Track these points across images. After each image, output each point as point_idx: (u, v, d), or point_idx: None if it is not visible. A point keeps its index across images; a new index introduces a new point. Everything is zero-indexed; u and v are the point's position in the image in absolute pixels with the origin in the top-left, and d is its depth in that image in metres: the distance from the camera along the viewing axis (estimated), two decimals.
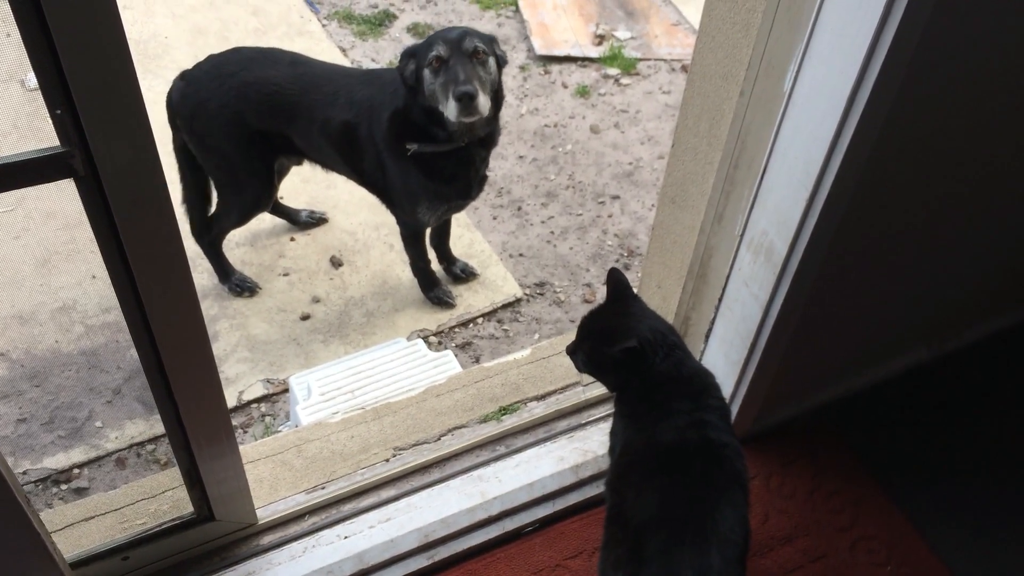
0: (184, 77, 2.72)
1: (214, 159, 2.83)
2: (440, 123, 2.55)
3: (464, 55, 2.46)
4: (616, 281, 1.61)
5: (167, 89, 2.80)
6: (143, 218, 1.14)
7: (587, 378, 2.10)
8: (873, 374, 2.14)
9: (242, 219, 2.99)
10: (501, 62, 2.60)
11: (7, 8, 0.92)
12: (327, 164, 2.90)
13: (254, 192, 2.89)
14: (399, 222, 2.93)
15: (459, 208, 2.98)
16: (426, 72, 2.48)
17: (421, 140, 2.60)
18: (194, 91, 2.69)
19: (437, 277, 3.11)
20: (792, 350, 1.77)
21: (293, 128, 2.74)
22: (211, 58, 2.75)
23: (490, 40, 2.57)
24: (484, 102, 2.48)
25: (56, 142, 1.05)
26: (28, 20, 0.92)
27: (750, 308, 1.70)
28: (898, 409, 2.15)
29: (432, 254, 3.12)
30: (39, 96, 1.01)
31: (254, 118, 2.71)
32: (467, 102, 2.42)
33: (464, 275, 3.16)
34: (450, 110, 2.46)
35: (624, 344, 1.49)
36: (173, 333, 1.30)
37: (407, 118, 2.59)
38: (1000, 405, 2.20)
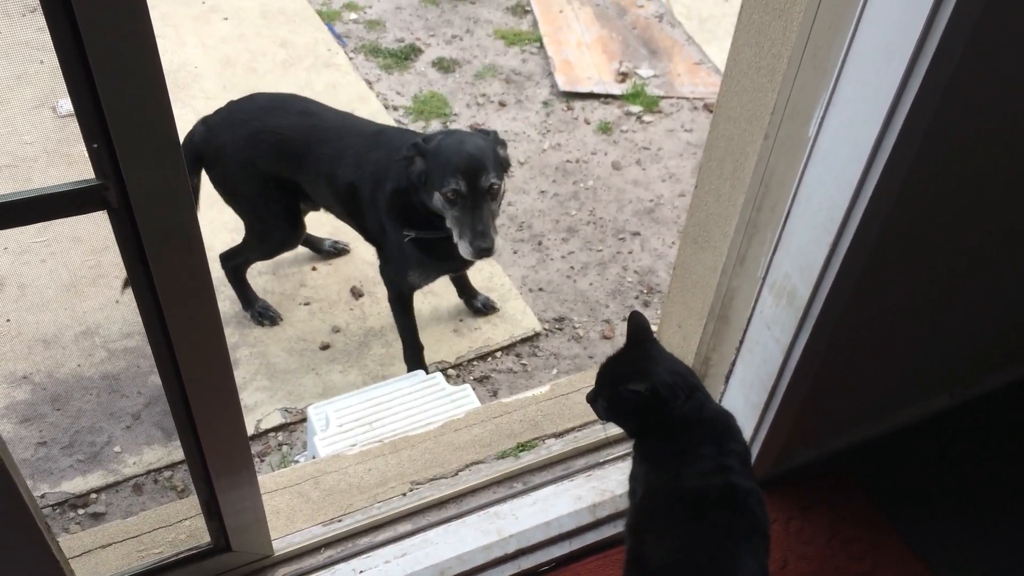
0: (205, 122, 2.80)
1: (238, 202, 2.90)
2: (439, 215, 2.56)
3: (481, 195, 2.47)
4: (636, 325, 1.61)
5: (194, 119, 2.85)
6: (173, 250, 1.16)
7: None
8: (894, 420, 2.13)
9: (267, 256, 3.06)
10: (506, 167, 2.60)
11: (43, 37, 0.95)
12: (334, 213, 2.93)
13: (280, 235, 2.95)
14: (386, 281, 2.90)
15: (455, 273, 3.00)
16: (438, 195, 2.48)
17: (419, 222, 2.62)
18: (214, 136, 2.76)
19: (422, 349, 2.96)
20: (813, 394, 1.76)
21: (301, 176, 2.78)
22: (229, 104, 2.83)
23: (496, 150, 2.55)
24: (497, 244, 2.53)
25: (88, 171, 1.07)
26: (69, 55, 0.95)
27: (771, 351, 1.70)
28: (919, 456, 2.13)
29: (451, 290, 3.14)
30: (70, 123, 1.04)
31: (265, 165, 2.76)
32: (484, 254, 2.49)
33: (485, 309, 3.16)
34: (462, 249, 2.50)
35: (634, 386, 1.48)
36: (197, 363, 1.31)
37: (407, 200, 2.60)
38: (1022, 453, 2.17)
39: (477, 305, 3.17)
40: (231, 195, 2.88)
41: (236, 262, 3.02)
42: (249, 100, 2.86)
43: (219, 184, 2.85)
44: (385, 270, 2.88)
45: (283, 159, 2.74)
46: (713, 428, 1.51)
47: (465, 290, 3.17)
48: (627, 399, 1.52)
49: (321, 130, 2.75)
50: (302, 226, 3.00)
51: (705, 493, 1.44)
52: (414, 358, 2.95)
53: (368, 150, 2.69)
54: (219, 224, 3.35)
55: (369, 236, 2.85)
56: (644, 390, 1.48)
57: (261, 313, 3.07)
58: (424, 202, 2.55)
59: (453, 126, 4.00)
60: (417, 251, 2.68)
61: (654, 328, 3.13)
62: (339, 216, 2.92)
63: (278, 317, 3.09)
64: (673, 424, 1.51)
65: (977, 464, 2.14)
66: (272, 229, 2.92)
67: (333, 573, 1.76)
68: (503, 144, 2.61)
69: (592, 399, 1.62)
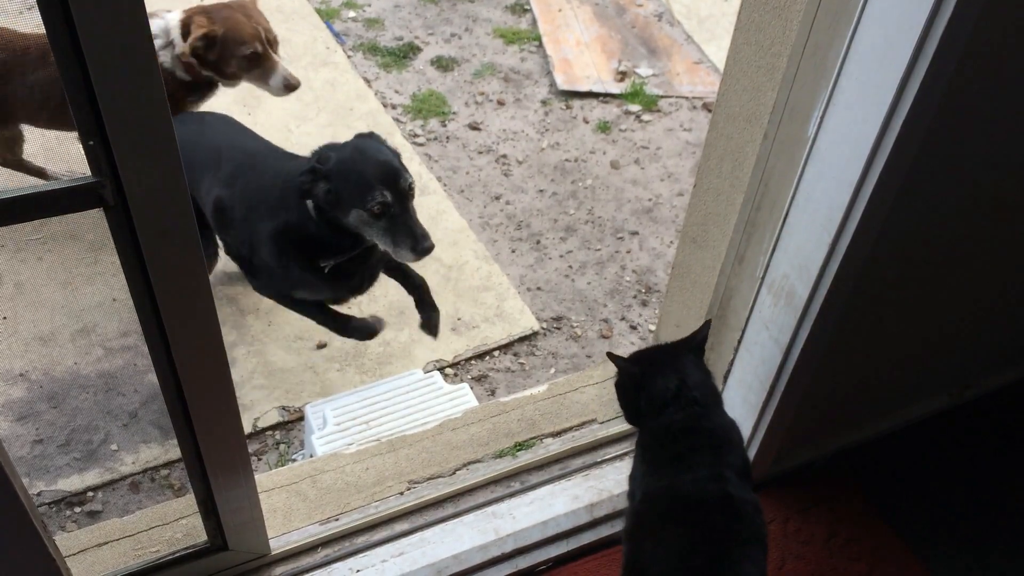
0: None
1: None
2: (347, 232, 2.39)
3: (405, 198, 2.34)
4: (698, 331, 1.65)
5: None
6: (170, 248, 1.15)
7: (603, 415, 2.10)
8: (893, 420, 2.13)
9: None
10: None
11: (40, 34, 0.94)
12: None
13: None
14: (263, 294, 2.75)
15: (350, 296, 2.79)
16: (358, 212, 2.31)
17: (321, 249, 2.45)
18: None
19: (344, 314, 2.76)
20: (812, 394, 1.75)
21: (194, 188, 2.63)
22: None
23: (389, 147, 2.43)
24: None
25: (85, 169, 1.07)
26: (64, 52, 0.94)
27: (770, 351, 1.69)
28: (917, 456, 2.13)
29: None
30: None
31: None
32: (427, 252, 2.36)
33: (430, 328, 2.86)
34: (403, 256, 2.37)
35: (626, 364, 1.59)
36: (194, 361, 1.31)
37: (304, 233, 2.42)
38: (1022, 455, 2.17)
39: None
40: None
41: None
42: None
43: None
44: (259, 286, 2.72)
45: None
46: (712, 440, 1.52)
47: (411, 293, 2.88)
48: (620, 372, 1.62)
49: (200, 139, 2.65)
50: (210, 248, 2.85)
51: (701, 500, 1.44)
52: (344, 327, 2.74)
53: (243, 170, 2.55)
54: None
55: (232, 251, 2.70)
56: (631, 370, 1.60)
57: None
58: (334, 224, 2.37)
59: (452, 124, 4.00)
60: (310, 275, 2.52)
61: (651, 328, 3.13)
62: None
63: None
64: (667, 428, 1.54)
65: (976, 465, 2.14)
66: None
67: (330, 572, 1.75)
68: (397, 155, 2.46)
69: None
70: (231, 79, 3.04)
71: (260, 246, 2.52)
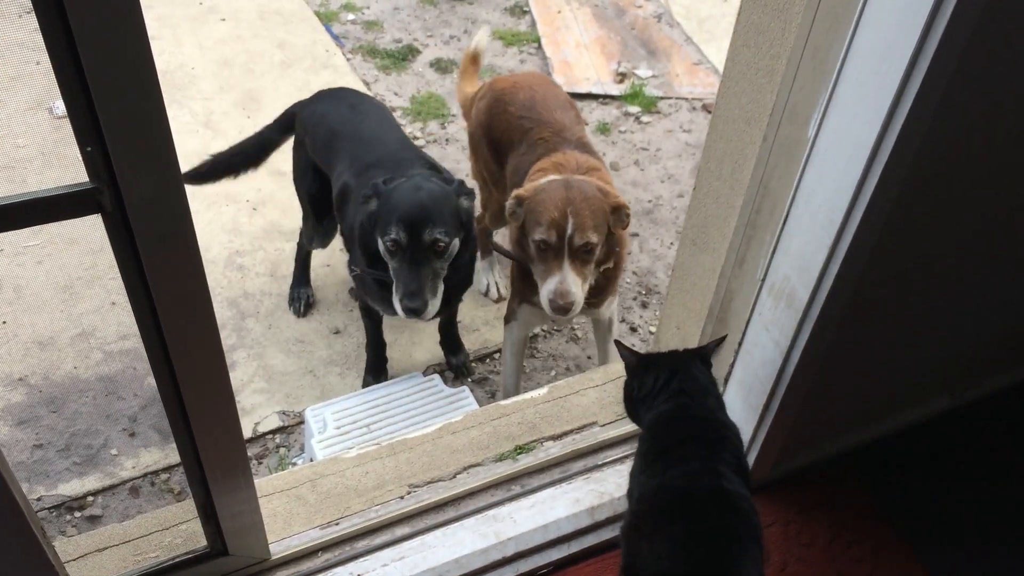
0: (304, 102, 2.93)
1: (294, 180, 2.97)
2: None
3: (421, 249, 2.28)
4: (709, 343, 1.71)
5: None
6: (168, 253, 1.15)
7: (604, 418, 2.09)
8: (894, 422, 2.12)
9: (307, 245, 3.09)
10: (466, 220, 2.40)
11: (39, 38, 0.94)
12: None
13: (308, 228, 2.99)
14: (354, 293, 2.84)
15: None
16: (380, 242, 2.33)
17: (373, 260, 2.46)
18: (300, 112, 2.89)
19: (384, 364, 2.90)
20: (812, 396, 1.75)
21: (327, 163, 2.73)
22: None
23: (458, 201, 2.35)
24: (432, 308, 2.33)
25: (83, 174, 1.06)
26: (61, 58, 0.94)
27: (770, 353, 1.69)
28: (919, 457, 2.13)
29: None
30: (66, 124, 1.02)
31: (309, 146, 2.79)
32: (411, 315, 2.32)
33: (458, 369, 2.98)
34: (397, 306, 2.34)
35: (630, 351, 1.68)
36: (193, 366, 1.31)
37: (367, 238, 2.45)
38: (1023, 456, 2.17)
39: (454, 362, 2.99)
40: (293, 163, 2.95)
41: (299, 241, 3.09)
42: (331, 88, 2.95)
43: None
44: (354, 282, 2.80)
45: (318, 140, 2.73)
46: (704, 432, 1.52)
47: (447, 339, 2.98)
48: (623, 359, 1.71)
49: (355, 125, 2.71)
50: (325, 229, 2.95)
51: (695, 495, 1.43)
52: (374, 361, 2.87)
53: (374, 163, 2.56)
54: (217, 226, 3.35)
55: (345, 243, 2.75)
56: (630, 359, 1.68)
57: (296, 298, 3.12)
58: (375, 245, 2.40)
59: (451, 127, 4.00)
60: (374, 282, 2.54)
61: (652, 330, 3.13)
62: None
63: (302, 311, 3.12)
64: (658, 417, 1.57)
65: (977, 466, 2.14)
66: (305, 218, 2.98)
67: None
68: (469, 194, 2.40)
69: None
70: (532, 263, 2.36)
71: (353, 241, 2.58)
